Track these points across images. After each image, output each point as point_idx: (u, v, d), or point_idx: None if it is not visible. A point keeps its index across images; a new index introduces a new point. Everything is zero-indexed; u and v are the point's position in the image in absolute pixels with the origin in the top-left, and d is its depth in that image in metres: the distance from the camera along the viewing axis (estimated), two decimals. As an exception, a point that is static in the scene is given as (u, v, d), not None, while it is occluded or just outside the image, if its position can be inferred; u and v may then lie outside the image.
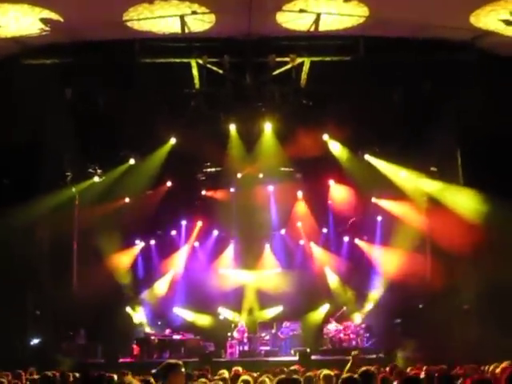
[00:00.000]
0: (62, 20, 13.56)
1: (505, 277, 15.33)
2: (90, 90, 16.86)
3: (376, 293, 21.09)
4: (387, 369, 10.32)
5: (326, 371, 7.79)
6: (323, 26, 14.40)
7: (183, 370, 6.00)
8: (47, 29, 13.93)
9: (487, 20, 13.63)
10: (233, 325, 21.05)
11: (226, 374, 9.47)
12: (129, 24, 14.09)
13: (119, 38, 15.07)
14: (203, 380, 8.12)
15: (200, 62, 15.64)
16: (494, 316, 15.34)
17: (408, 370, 10.36)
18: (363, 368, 6.46)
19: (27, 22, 13.54)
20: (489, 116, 14.75)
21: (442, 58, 15.51)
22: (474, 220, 16.40)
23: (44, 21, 13.51)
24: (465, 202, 17.07)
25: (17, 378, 9.32)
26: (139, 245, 22.10)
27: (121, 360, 18.11)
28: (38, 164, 17.53)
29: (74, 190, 18.93)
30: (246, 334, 20.54)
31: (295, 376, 7.70)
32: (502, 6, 12.91)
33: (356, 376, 6.13)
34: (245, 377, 8.17)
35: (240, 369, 10.41)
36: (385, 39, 15.02)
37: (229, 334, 20.59)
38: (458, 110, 16.45)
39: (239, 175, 21.02)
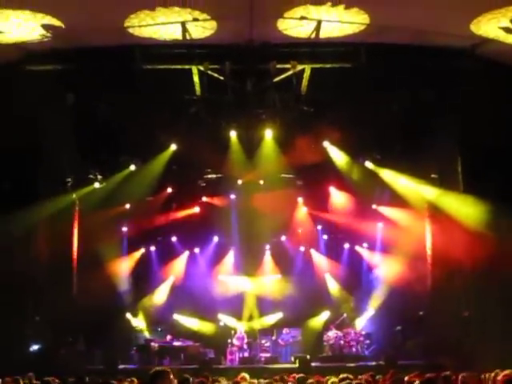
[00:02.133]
0: (63, 26, 13.58)
1: (505, 284, 15.32)
2: (92, 95, 16.86)
3: (376, 300, 21.05)
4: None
5: (333, 378, 7.76)
6: (324, 33, 14.37)
7: (171, 376, 6.00)
8: (49, 35, 13.93)
9: (487, 28, 13.63)
10: (233, 331, 21.02)
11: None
12: (130, 30, 14.10)
13: (120, 44, 15.08)
14: None
15: (201, 68, 15.62)
16: (494, 323, 15.30)
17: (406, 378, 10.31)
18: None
19: (29, 28, 13.56)
20: (490, 124, 14.73)
21: (443, 65, 15.51)
22: (474, 227, 16.38)
23: (46, 27, 13.53)
24: (465, 209, 17.05)
25: (15, 384, 9.29)
26: (140, 251, 22.11)
27: (120, 366, 18.07)
28: (39, 170, 17.56)
29: (74, 195, 18.93)
30: (245, 341, 20.51)
31: None
32: (503, 14, 12.93)
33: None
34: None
35: (247, 376, 10.27)
36: (386, 46, 15.01)
37: (229, 340, 20.57)
38: (460, 118, 16.43)
39: (240, 182, 20.98)
